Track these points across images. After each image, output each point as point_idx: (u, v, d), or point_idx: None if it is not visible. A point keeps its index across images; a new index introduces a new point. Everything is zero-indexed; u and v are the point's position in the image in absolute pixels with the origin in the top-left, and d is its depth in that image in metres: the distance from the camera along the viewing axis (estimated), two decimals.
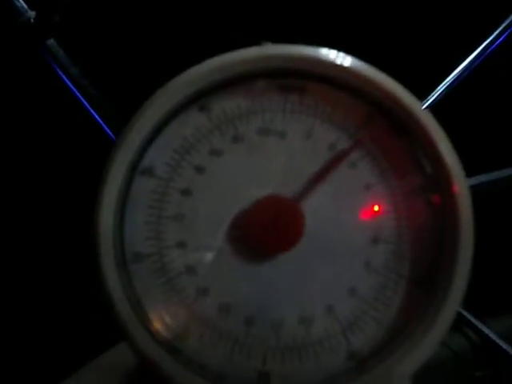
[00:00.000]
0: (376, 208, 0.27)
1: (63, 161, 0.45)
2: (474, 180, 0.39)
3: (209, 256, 0.26)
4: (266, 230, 0.26)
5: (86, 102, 0.42)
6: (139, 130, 0.26)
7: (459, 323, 0.41)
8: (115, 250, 0.26)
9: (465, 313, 0.41)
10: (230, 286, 0.27)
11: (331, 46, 0.27)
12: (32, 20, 0.41)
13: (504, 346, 0.40)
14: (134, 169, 0.26)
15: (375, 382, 0.26)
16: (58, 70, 0.42)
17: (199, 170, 0.27)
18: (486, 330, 0.41)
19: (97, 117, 0.42)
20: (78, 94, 0.42)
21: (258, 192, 0.27)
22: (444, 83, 0.37)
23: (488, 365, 0.41)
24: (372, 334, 0.26)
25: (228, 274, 0.27)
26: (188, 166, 0.27)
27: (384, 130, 0.27)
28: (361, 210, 0.27)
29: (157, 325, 0.26)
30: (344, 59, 0.27)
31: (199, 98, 0.27)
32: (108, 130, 0.42)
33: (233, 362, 0.26)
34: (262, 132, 0.27)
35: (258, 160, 0.27)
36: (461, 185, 0.26)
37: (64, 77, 0.42)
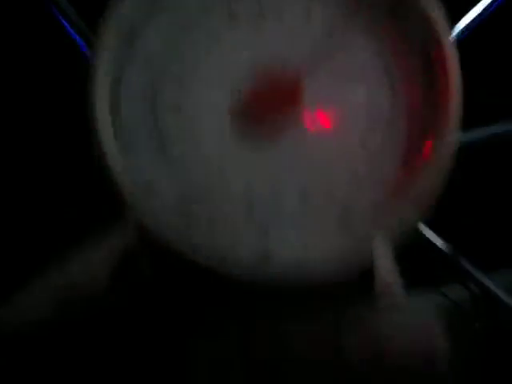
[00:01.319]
0: (372, 87, 0.29)
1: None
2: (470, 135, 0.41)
3: (205, 123, 0.28)
4: (265, 94, 0.28)
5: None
6: None
7: (460, 275, 0.42)
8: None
9: (466, 264, 0.42)
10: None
11: None
12: None
13: (504, 298, 0.41)
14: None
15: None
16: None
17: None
18: (487, 282, 0.42)
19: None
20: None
21: (256, 64, 0.28)
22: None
23: (488, 316, 0.41)
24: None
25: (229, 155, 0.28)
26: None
27: (382, 13, 0.29)
28: (358, 90, 0.29)
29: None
30: None
31: None
32: None
33: (236, 241, 0.28)
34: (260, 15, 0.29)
35: (256, 40, 0.29)
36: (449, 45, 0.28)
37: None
